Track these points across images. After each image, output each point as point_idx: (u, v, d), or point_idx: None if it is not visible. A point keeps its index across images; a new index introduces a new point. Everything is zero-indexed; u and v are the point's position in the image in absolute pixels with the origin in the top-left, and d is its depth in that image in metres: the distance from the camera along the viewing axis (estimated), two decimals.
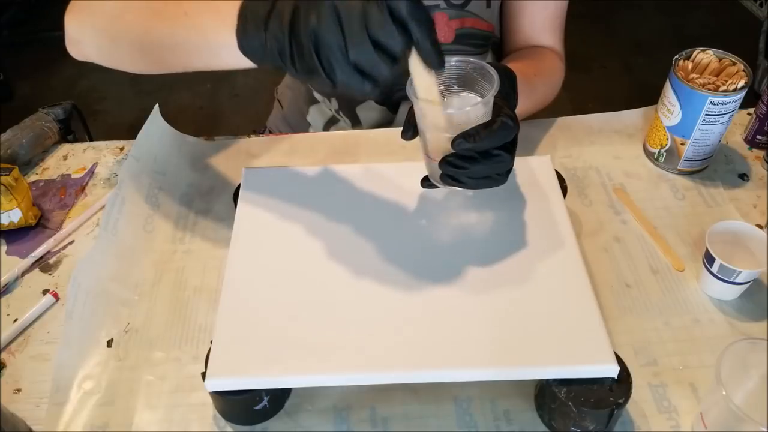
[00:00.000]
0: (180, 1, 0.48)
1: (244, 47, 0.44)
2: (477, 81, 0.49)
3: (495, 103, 0.48)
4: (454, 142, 0.46)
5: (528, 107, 0.66)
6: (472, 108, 0.46)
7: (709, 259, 0.54)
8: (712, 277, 0.55)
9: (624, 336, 0.53)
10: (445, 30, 0.71)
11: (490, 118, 0.47)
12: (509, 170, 0.49)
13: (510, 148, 0.48)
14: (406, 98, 0.48)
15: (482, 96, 0.49)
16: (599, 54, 2.09)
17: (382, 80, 0.40)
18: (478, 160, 0.47)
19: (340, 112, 0.79)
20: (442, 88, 0.49)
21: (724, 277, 0.54)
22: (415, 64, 0.42)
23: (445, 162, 0.48)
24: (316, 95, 0.80)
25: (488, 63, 0.49)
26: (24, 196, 0.63)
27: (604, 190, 0.66)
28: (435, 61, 0.41)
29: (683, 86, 0.62)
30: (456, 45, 0.73)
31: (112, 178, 0.70)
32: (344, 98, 0.77)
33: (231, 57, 0.45)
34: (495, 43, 0.78)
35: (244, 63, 0.46)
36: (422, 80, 0.43)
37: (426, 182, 0.53)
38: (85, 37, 0.55)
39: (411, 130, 0.50)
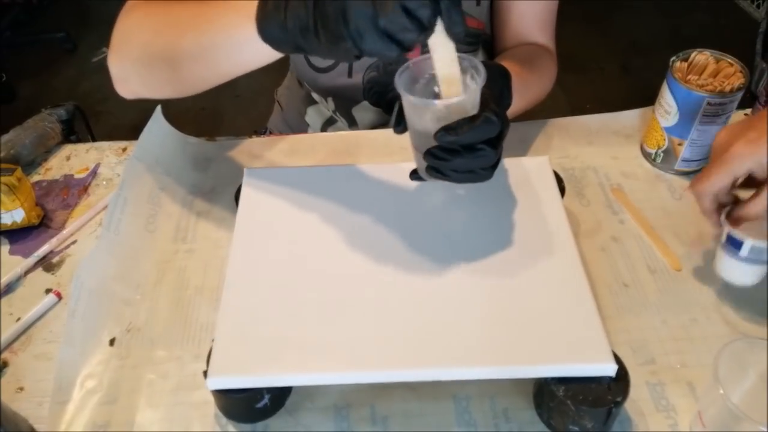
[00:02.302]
0: (203, 13, 0.51)
1: (264, 31, 0.46)
2: (466, 75, 0.49)
3: (483, 98, 0.48)
4: (436, 134, 0.46)
5: (522, 105, 0.67)
6: (457, 99, 0.46)
7: (735, 244, 0.52)
8: (739, 262, 0.52)
9: (622, 335, 0.54)
10: None
11: (477, 112, 0.47)
12: (494, 165, 0.49)
13: (495, 143, 0.48)
14: (399, 98, 0.49)
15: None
16: (597, 55, 2.10)
17: (409, 47, 0.42)
18: (462, 154, 0.47)
19: (337, 113, 0.80)
20: (427, 78, 0.50)
21: (757, 257, 0.51)
22: (436, 40, 0.43)
23: (428, 153, 0.48)
24: (314, 96, 0.81)
25: (482, 61, 0.49)
26: (27, 196, 0.64)
27: (601, 191, 0.66)
28: (460, 30, 0.42)
29: (680, 87, 0.62)
30: None
31: (114, 178, 0.70)
32: (340, 99, 0.78)
33: (253, 50, 0.48)
34: (486, 41, 0.78)
35: (267, 55, 0.48)
36: (443, 54, 0.44)
37: (414, 175, 0.54)
38: (128, 73, 0.58)
39: (402, 123, 0.50)
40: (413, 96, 0.47)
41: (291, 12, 0.44)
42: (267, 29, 0.46)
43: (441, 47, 0.44)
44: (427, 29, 0.41)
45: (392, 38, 0.41)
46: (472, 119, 0.46)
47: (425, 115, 0.48)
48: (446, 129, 0.46)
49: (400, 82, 0.47)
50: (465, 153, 0.47)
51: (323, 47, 0.44)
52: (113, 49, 0.59)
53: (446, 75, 0.46)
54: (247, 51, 0.49)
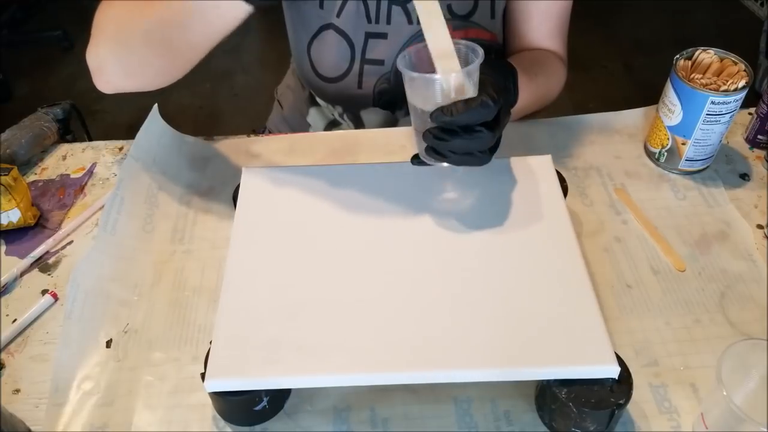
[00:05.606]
0: None
1: None
2: (467, 60, 0.50)
3: (483, 83, 0.49)
4: (432, 114, 0.47)
5: (528, 102, 0.66)
6: (455, 77, 0.47)
7: None
8: None
9: (625, 336, 0.53)
10: None
11: (476, 94, 0.48)
12: (493, 149, 0.50)
13: (492, 126, 0.48)
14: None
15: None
16: (600, 54, 2.09)
17: None
18: (459, 135, 0.48)
19: (344, 116, 0.79)
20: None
21: None
22: (427, 10, 0.46)
23: (427, 133, 0.49)
24: (319, 101, 0.80)
25: (490, 57, 0.49)
26: (23, 196, 0.63)
27: (604, 190, 0.66)
28: None
29: (684, 86, 0.62)
30: None
31: (111, 178, 0.70)
32: (349, 104, 0.77)
33: (231, 4, 0.49)
34: (498, 51, 0.78)
35: (243, 8, 0.49)
36: (436, 30, 0.46)
37: (416, 159, 0.54)
38: (103, 61, 0.57)
39: (405, 105, 0.51)
40: (414, 72, 0.48)
41: None
42: None
43: (434, 20, 0.46)
44: None
45: None
46: (468, 101, 0.47)
47: (424, 93, 0.48)
48: (442, 109, 0.47)
49: (402, 62, 0.49)
50: (463, 134, 0.48)
51: None
52: (91, 42, 0.57)
53: (440, 50, 0.47)
54: (226, 7, 0.49)
